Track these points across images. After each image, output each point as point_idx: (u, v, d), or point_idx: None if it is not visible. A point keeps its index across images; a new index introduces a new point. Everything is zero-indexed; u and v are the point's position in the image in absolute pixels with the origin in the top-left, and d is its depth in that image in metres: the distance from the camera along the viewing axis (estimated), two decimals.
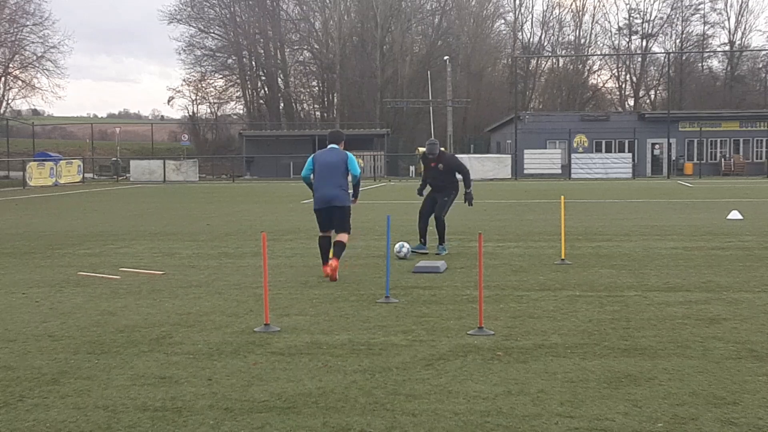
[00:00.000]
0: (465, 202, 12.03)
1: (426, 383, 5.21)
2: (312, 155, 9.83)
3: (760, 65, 68.88)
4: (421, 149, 12.36)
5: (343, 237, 9.48)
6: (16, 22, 54.24)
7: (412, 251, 11.40)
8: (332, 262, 9.21)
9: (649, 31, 70.39)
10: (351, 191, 9.89)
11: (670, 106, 55.26)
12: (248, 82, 70.27)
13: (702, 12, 69.23)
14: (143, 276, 9.93)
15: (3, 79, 55.57)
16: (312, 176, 9.63)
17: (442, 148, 12.06)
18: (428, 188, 12.18)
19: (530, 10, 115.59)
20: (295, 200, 25.81)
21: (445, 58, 57.89)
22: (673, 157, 48.84)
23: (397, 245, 11.18)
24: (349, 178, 9.75)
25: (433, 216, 11.82)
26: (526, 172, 45.58)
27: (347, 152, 9.61)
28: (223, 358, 5.92)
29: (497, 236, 13.72)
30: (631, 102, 71.48)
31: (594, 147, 49.95)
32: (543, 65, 73.50)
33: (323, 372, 5.50)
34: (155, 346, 6.31)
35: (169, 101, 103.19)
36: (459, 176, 11.92)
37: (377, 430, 4.38)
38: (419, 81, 63.02)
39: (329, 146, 9.66)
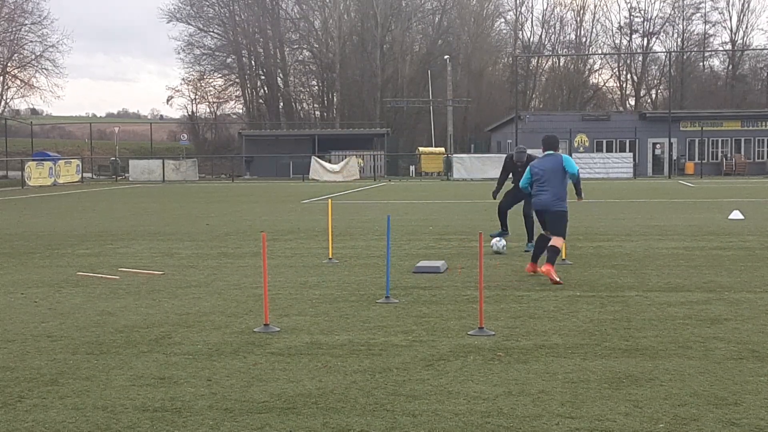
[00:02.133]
0: None
1: (426, 384, 5.19)
2: (528, 166, 10.00)
3: (762, 64, 68.88)
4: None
5: (556, 241, 9.44)
6: (14, 21, 54.13)
7: (525, 250, 11.68)
8: (545, 267, 9.12)
9: (650, 30, 70.44)
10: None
11: (672, 105, 55.17)
12: (248, 82, 70.24)
13: (703, 11, 69.28)
14: (142, 276, 9.91)
15: (1, 78, 55.51)
16: (530, 186, 9.84)
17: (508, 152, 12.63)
18: (501, 191, 12.62)
19: (531, 9, 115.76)
20: (295, 200, 25.81)
21: (446, 57, 57.89)
22: (675, 157, 48.80)
23: (493, 242, 11.67)
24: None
25: (523, 213, 12.20)
26: None
27: (563, 155, 9.79)
28: (223, 358, 5.90)
29: None
30: (632, 101, 71.45)
31: (595, 147, 49.92)
32: (544, 64, 73.49)
33: (323, 372, 5.49)
34: (154, 346, 6.29)
35: (168, 101, 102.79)
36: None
37: (377, 431, 4.36)
38: (419, 80, 63.04)
39: (545, 153, 9.78)
